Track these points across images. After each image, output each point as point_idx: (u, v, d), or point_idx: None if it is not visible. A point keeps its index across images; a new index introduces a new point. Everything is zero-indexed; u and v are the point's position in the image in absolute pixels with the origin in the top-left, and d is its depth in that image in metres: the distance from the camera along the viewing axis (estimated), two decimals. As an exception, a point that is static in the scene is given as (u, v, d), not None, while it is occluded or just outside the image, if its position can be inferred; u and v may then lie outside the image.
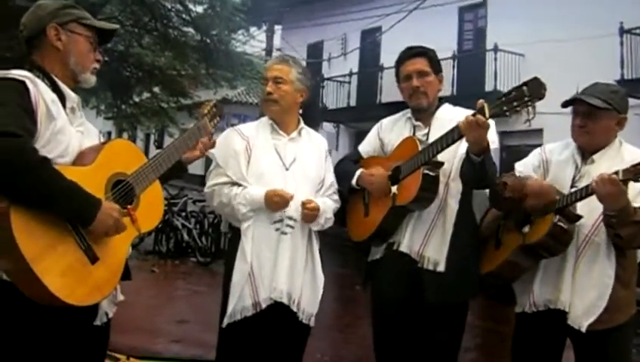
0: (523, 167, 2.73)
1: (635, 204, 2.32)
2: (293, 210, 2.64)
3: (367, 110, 14.92)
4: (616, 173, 2.21)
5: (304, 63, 3.12)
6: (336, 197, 2.85)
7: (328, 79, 17.95)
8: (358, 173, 2.84)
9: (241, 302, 2.59)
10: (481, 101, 2.41)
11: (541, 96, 2.28)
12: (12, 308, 1.83)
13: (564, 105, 2.57)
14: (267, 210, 2.62)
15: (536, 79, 2.30)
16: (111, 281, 1.99)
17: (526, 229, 2.54)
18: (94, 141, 2.13)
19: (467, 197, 2.73)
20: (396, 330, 2.78)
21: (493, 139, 2.58)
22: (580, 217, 2.43)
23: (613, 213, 2.29)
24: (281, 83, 2.74)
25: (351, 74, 17.52)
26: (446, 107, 2.86)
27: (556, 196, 2.45)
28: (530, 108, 2.30)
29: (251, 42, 16.66)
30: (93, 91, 12.20)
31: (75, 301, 1.82)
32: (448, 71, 13.29)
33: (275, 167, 2.71)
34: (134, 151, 2.19)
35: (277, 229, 2.64)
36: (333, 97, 17.72)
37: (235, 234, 2.71)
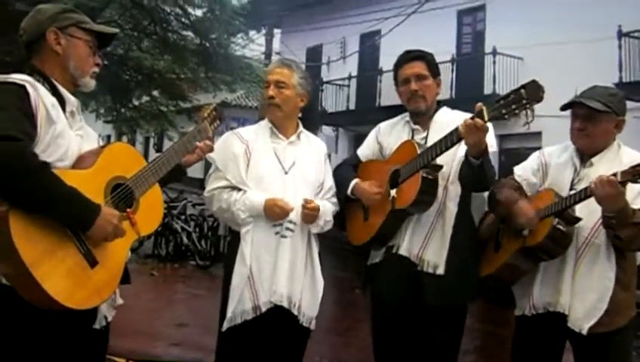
0: (522, 171, 2.74)
1: (634, 206, 2.33)
2: (294, 213, 2.64)
3: (366, 113, 14.94)
4: (615, 174, 2.22)
5: (303, 67, 3.12)
6: (335, 200, 2.85)
7: (327, 83, 17.98)
8: (352, 183, 2.84)
9: (240, 305, 2.59)
10: (479, 104, 2.42)
11: (539, 99, 2.29)
12: (11, 312, 1.83)
13: (564, 108, 2.58)
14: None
15: (534, 82, 2.31)
16: (110, 285, 1.99)
17: (525, 232, 2.55)
18: (94, 145, 2.14)
19: (466, 200, 2.73)
20: (395, 333, 2.78)
21: (491, 142, 2.59)
22: (579, 219, 2.44)
23: (612, 214, 2.30)
24: (284, 87, 2.74)
25: (350, 77, 17.55)
26: (444, 110, 2.87)
27: (536, 215, 2.46)
28: (528, 111, 2.30)
29: (250, 46, 16.72)
30: (93, 95, 12.21)
31: (75, 305, 1.83)
32: (447, 74, 13.31)
33: (274, 171, 2.71)
34: (134, 154, 2.19)
35: (277, 233, 2.64)
36: (333, 101, 17.74)
37: (235, 238, 2.71)
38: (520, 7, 12.86)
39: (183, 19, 11.45)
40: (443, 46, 13.26)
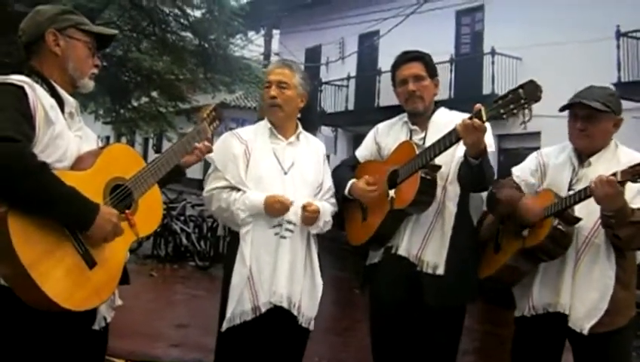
0: (520, 172, 2.74)
1: (633, 205, 2.34)
2: (292, 214, 2.64)
3: (365, 114, 14.94)
4: (615, 174, 2.23)
5: (302, 67, 3.13)
6: (333, 200, 2.85)
7: (326, 83, 17.98)
8: (349, 183, 2.84)
9: (240, 306, 2.59)
10: (478, 105, 2.43)
11: (537, 99, 2.30)
12: (10, 313, 1.83)
13: (564, 108, 2.58)
14: (266, 215, 2.63)
15: (532, 82, 2.31)
16: (109, 286, 1.99)
17: (525, 233, 2.55)
18: (92, 146, 2.14)
19: (464, 200, 2.74)
20: (394, 334, 2.78)
21: (489, 142, 2.60)
22: (579, 219, 2.44)
23: (611, 213, 2.30)
24: (285, 88, 2.75)
25: (349, 78, 17.55)
26: (442, 111, 2.88)
27: (543, 211, 2.46)
28: (526, 111, 2.31)
29: (249, 47, 16.67)
30: (92, 96, 12.20)
31: (73, 306, 1.83)
32: (446, 74, 13.31)
33: (273, 171, 2.71)
34: (133, 155, 2.20)
35: (276, 233, 2.64)
36: (332, 101, 17.75)
37: (234, 238, 2.71)
38: (518, 7, 12.86)
39: (182, 20, 11.44)
40: (442, 46, 13.27)
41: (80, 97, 2.22)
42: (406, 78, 2.81)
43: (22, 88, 1.88)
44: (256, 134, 2.80)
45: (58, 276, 1.80)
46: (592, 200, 2.32)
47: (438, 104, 2.91)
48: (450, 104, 2.93)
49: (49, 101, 1.94)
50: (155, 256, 9.78)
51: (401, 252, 2.74)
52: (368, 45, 17.40)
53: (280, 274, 2.61)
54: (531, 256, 2.53)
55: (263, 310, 2.60)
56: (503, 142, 12.19)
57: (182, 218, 10.18)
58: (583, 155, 2.58)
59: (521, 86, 2.32)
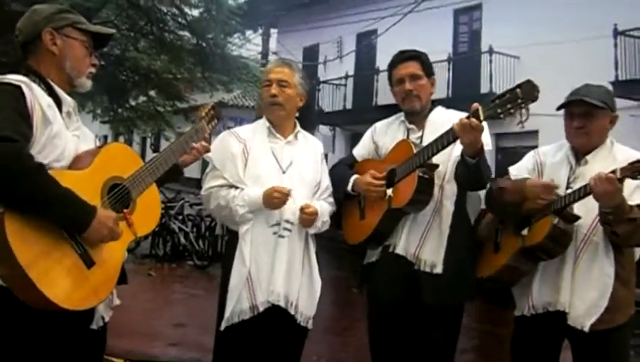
0: (517, 171, 2.74)
1: (631, 202, 2.34)
2: (291, 213, 2.64)
3: (363, 113, 14.94)
4: (614, 171, 2.24)
5: (300, 66, 3.13)
6: (331, 200, 2.86)
7: (324, 82, 17.98)
8: (353, 178, 2.84)
9: (238, 305, 2.60)
10: (475, 104, 2.43)
11: (534, 99, 2.30)
12: (8, 313, 1.83)
13: (562, 107, 2.59)
14: (265, 212, 2.63)
15: (529, 82, 2.32)
16: (107, 285, 1.99)
17: (525, 232, 2.55)
18: (90, 145, 2.13)
19: (462, 198, 2.74)
20: (392, 333, 2.78)
21: (486, 141, 2.60)
22: (578, 218, 2.45)
23: (609, 210, 2.31)
24: (286, 86, 2.75)
25: (347, 77, 17.55)
26: (439, 110, 2.88)
27: (555, 195, 2.46)
28: (523, 111, 2.31)
29: (247, 46, 16.61)
30: (90, 95, 12.17)
31: (71, 305, 1.83)
32: (444, 73, 13.33)
33: (272, 170, 2.71)
34: (131, 154, 2.19)
35: (274, 233, 2.64)
36: (330, 100, 17.75)
37: (233, 238, 2.71)
38: (516, 6, 12.88)
39: (180, 20, 11.42)
40: (439, 45, 13.29)
41: (78, 96, 2.21)
42: (403, 78, 2.81)
43: (19, 88, 1.87)
44: (254, 133, 2.80)
45: (56, 276, 1.80)
46: (589, 198, 2.33)
47: (436, 103, 2.92)
48: (448, 103, 2.94)
49: (46, 100, 1.94)
50: (153, 256, 9.78)
51: (399, 251, 2.74)
52: (366, 44, 17.40)
53: (278, 274, 2.61)
54: (531, 255, 2.53)
55: (261, 309, 2.60)
56: (501, 140, 12.21)
57: (180, 217, 10.18)
58: (579, 154, 2.59)
59: (518, 85, 2.32)
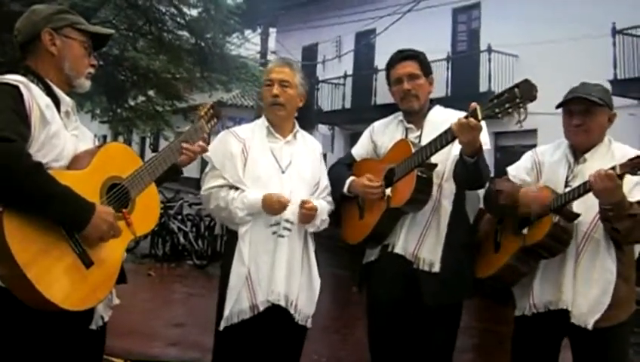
0: (515, 171, 2.74)
1: (631, 199, 2.35)
2: (290, 212, 2.64)
3: (362, 112, 14.94)
4: (613, 168, 2.24)
5: (300, 66, 3.13)
6: (330, 198, 2.86)
7: (323, 81, 17.99)
8: (349, 180, 2.84)
9: (238, 305, 2.60)
10: (473, 104, 2.44)
11: (532, 98, 2.31)
12: (7, 313, 1.83)
13: (562, 104, 2.59)
14: (265, 214, 2.63)
15: (527, 81, 2.32)
16: (106, 285, 1.99)
17: (525, 231, 2.55)
18: (89, 145, 2.14)
19: (460, 197, 2.75)
20: (391, 331, 2.78)
21: (485, 140, 2.60)
22: (578, 215, 2.45)
23: (610, 206, 2.32)
24: (288, 86, 2.75)
25: (345, 76, 17.55)
26: (437, 109, 2.88)
27: (549, 201, 2.46)
28: (521, 110, 2.32)
29: (246, 45, 16.60)
30: (89, 95, 12.17)
31: (70, 305, 1.83)
32: (442, 72, 13.34)
33: (271, 170, 2.71)
34: (130, 154, 2.19)
35: (274, 232, 2.64)
36: (328, 99, 17.75)
37: (232, 237, 2.71)
38: (515, 4, 12.89)
39: (178, 19, 11.42)
40: (438, 44, 13.31)
41: (76, 96, 2.21)
42: (401, 77, 2.82)
43: (17, 88, 1.87)
44: (253, 132, 2.80)
45: (54, 276, 1.80)
46: (589, 195, 2.33)
47: (434, 102, 2.92)
48: (447, 102, 2.94)
49: (45, 100, 1.94)
50: (152, 255, 9.79)
51: (398, 250, 2.74)
52: (365, 43, 17.40)
53: (278, 273, 2.61)
54: (532, 254, 2.53)
55: (261, 308, 2.60)
56: (500, 139, 12.22)
57: (179, 217, 10.19)
58: (578, 152, 2.59)
59: (516, 85, 2.33)
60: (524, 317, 2.59)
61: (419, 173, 2.60)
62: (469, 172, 2.55)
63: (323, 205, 2.77)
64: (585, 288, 2.45)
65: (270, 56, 18.49)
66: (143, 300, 6.38)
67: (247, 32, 16.72)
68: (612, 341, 2.47)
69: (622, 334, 2.51)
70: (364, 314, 2.95)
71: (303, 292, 2.69)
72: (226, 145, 2.75)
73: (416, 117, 2.85)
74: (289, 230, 2.65)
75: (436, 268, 2.68)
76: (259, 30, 19.81)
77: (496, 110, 2.36)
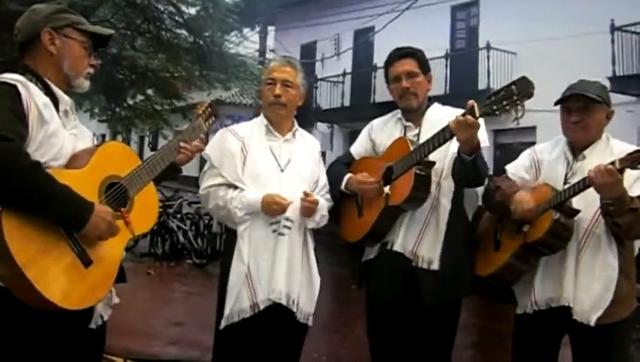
0: (514, 169, 2.75)
1: (632, 193, 2.35)
2: (290, 210, 2.64)
3: (361, 110, 14.92)
4: (613, 163, 2.24)
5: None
6: (329, 196, 2.86)
7: (322, 79, 17.97)
8: (346, 178, 2.84)
9: (238, 303, 2.60)
10: (471, 101, 2.44)
11: (530, 95, 2.31)
12: (7, 313, 1.83)
13: (560, 101, 2.59)
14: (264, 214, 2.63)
15: (524, 78, 2.32)
16: (105, 284, 1.99)
17: (526, 228, 2.55)
18: (88, 144, 2.13)
19: (459, 195, 2.75)
20: (391, 329, 2.79)
21: (483, 138, 2.61)
22: (577, 211, 2.45)
23: (610, 201, 2.32)
24: (290, 87, 2.75)
25: (344, 74, 17.55)
26: (436, 107, 2.88)
27: (538, 209, 2.46)
28: (519, 107, 2.32)
29: (244, 43, 16.58)
30: (87, 94, 12.13)
31: (70, 305, 1.83)
32: (441, 70, 13.35)
33: (270, 168, 2.71)
34: (128, 153, 2.19)
35: (274, 231, 2.64)
36: (327, 97, 17.74)
37: (231, 236, 2.71)
38: (513, 2, 12.89)
39: (177, 18, 11.40)
40: (437, 41, 13.30)
41: (75, 95, 2.21)
42: (399, 75, 2.82)
43: (14, 87, 1.87)
44: (252, 131, 2.80)
45: (54, 275, 1.80)
46: (589, 191, 2.33)
47: (433, 99, 2.92)
48: (446, 99, 2.94)
49: (43, 99, 1.94)
50: (151, 254, 9.79)
51: (397, 248, 2.74)
52: (364, 41, 17.38)
53: (278, 271, 2.61)
54: (533, 251, 2.53)
55: (262, 307, 2.60)
56: (499, 137, 12.23)
57: (178, 216, 10.18)
58: (576, 149, 2.59)
59: (513, 82, 2.33)
60: (526, 315, 2.59)
61: (417, 171, 2.61)
62: (467, 169, 2.55)
63: (322, 202, 2.77)
64: (587, 284, 2.45)
65: (269, 55, 18.50)
66: (142, 299, 6.37)
67: (246, 31, 16.73)
68: (614, 337, 2.47)
69: (624, 331, 2.51)
70: (363, 311, 2.96)
71: (304, 291, 2.69)
72: (224, 143, 2.75)
73: (414, 115, 2.85)
74: (289, 228, 2.65)
75: (435, 266, 2.69)
76: (257, 28, 19.82)
77: (494, 107, 2.36)
